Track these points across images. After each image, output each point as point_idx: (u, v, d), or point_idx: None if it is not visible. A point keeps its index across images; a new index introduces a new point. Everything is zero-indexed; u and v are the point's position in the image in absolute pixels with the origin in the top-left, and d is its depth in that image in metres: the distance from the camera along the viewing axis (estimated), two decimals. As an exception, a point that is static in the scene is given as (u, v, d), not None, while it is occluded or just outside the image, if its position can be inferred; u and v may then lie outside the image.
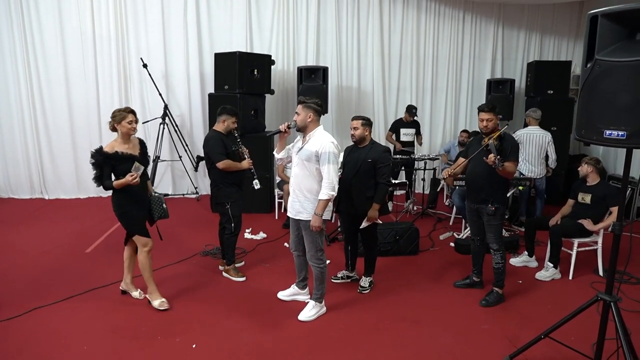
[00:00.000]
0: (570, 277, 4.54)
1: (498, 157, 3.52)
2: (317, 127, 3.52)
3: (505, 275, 4.02)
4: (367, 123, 4.03)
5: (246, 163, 4.26)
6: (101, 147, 3.54)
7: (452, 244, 5.44)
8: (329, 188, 3.40)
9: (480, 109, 3.85)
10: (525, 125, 6.22)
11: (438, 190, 7.17)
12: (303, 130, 3.53)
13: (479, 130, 3.96)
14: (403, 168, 7.01)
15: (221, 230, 4.43)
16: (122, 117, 3.59)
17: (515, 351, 3.05)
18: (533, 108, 6.27)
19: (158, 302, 3.77)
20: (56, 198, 7.30)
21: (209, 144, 4.24)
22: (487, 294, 4.02)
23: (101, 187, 3.56)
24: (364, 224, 4.01)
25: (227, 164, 4.17)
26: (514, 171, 3.81)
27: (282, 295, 3.99)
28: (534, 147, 5.98)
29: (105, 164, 3.50)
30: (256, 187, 4.29)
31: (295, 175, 3.56)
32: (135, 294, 3.94)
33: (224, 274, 4.46)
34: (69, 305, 3.79)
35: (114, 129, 3.64)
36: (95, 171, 3.51)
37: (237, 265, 4.63)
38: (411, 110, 7.00)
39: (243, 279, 4.38)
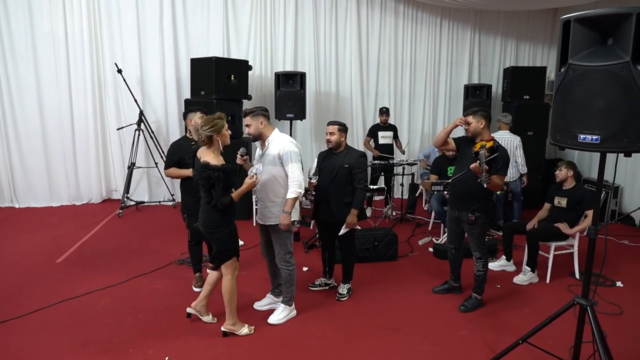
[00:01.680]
0: (548, 281, 4.57)
1: (486, 168, 3.37)
2: (272, 131, 3.55)
3: (486, 282, 4.01)
4: (344, 128, 3.99)
5: (189, 171, 3.86)
6: (208, 163, 3.12)
7: (430, 249, 5.43)
8: (296, 186, 3.45)
9: (465, 113, 3.85)
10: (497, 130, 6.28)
11: (417, 195, 7.18)
12: (259, 138, 3.54)
13: None
14: (382, 174, 7.00)
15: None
16: (222, 125, 3.23)
17: (493, 357, 3.02)
18: (503, 113, 6.44)
19: (246, 329, 3.48)
20: (27, 207, 7.06)
21: (168, 150, 4.22)
22: (466, 300, 4.00)
23: (214, 206, 3.19)
24: (343, 231, 3.94)
25: (170, 172, 4.12)
26: (501, 184, 3.73)
27: (258, 305, 3.92)
28: None
29: (220, 180, 3.13)
30: None
31: (261, 182, 3.51)
32: (208, 318, 3.61)
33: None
34: (37, 318, 3.64)
35: (209, 140, 3.23)
36: (214, 191, 3.12)
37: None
38: (381, 109, 7.09)
39: (198, 290, 4.14)
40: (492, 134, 6.14)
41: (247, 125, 3.50)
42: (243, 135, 6.79)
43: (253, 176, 3.30)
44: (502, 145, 5.80)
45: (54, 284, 4.30)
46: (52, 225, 6.17)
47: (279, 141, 3.51)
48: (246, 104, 7.04)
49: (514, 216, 6.27)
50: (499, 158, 3.67)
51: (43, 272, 4.59)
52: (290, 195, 3.46)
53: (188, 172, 3.94)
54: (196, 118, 4.22)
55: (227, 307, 3.41)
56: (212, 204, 3.17)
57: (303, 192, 3.53)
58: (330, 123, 4.00)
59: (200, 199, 3.32)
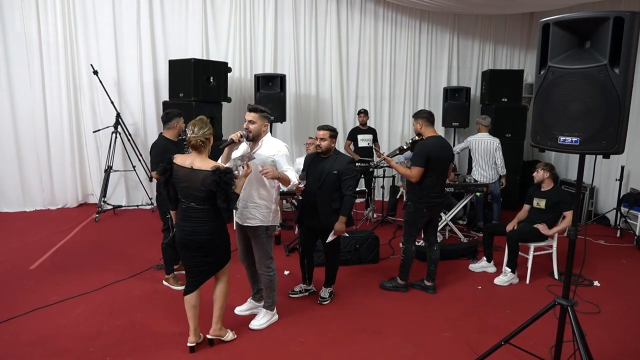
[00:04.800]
0: (527, 281, 4.61)
1: (383, 154, 4.69)
2: (267, 133, 3.52)
3: (407, 271, 4.31)
4: (334, 134, 3.94)
5: None
6: (218, 167, 2.96)
7: (412, 251, 5.44)
8: (295, 179, 3.47)
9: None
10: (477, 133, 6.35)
11: (397, 197, 7.20)
12: (257, 138, 3.45)
13: None
14: (362, 176, 7.00)
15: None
16: (211, 131, 3.08)
17: (476, 359, 3.03)
18: (482, 115, 6.50)
19: (231, 335, 3.42)
20: (-1, 212, 6.87)
21: (151, 152, 4.17)
22: (390, 278, 4.47)
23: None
24: (331, 238, 3.87)
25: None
26: (408, 175, 4.08)
27: (239, 310, 3.86)
28: (483, 153, 6.11)
29: (232, 184, 2.99)
30: None
31: (248, 181, 3.40)
32: (229, 335, 3.42)
33: (164, 282, 4.39)
34: (9, 328, 3.52)
35: (201, 145, 3.03)
36: (231, 194, 2.99)
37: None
38: (360, 110, 7.12)
39: (183, 287, 4.20)
40: (472, 136, 6.28)
41: (250, 122, 3.37)
42: (222, 138, 6.72)
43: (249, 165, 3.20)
44: (482, 146, 6.01)
45: (26, 291, 4.16)
46: (26, 230, 5.99)
47: (275, 144, 3.46)
48: (225, 107, 6.98)
49: (493, 217, 6.33)
50: (414, 150, 4.18)
51: (15, 279, 4.44)
52: (292, 177, 3.40)
53: None
54: (181, 123, 4.23)
55: (218, 311, 3.31)
56: (230, 207, 3.02)
57: (295, 188, 3.62)
58: (321, 128, 3.91)
59: (190, 210, 3.08)
